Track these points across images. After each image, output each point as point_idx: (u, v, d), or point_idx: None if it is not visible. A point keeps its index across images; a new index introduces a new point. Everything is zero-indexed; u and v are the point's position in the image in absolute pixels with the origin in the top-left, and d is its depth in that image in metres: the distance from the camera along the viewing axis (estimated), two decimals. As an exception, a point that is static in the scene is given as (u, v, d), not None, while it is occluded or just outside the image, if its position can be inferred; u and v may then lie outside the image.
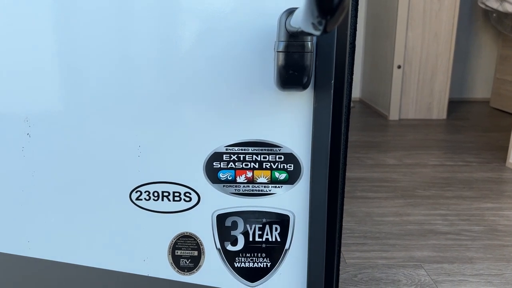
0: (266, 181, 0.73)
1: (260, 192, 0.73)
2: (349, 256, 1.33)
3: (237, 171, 0.72)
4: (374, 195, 1.81)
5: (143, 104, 0.70)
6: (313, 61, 0.63)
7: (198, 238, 0.76)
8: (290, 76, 0.62)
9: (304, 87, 0.65)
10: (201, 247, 0.76)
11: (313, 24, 0.34)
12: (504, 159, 2.31)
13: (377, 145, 2.60)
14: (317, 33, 0.35)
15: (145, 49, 0.68)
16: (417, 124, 3.15)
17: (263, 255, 0.77)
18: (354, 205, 1.70)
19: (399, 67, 3.25)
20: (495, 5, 3.27)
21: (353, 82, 0.71)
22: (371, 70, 3.78)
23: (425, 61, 3.26)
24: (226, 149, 0.72)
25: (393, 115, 3.33)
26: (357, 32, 0.67)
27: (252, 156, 0.72)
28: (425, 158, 2.34)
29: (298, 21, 0.41)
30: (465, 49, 3.97)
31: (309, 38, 0.61)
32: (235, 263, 0.77)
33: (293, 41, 0.61)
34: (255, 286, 0.78)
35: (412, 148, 2.53)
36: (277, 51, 0.62)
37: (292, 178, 0.72)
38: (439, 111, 3.34)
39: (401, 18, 3.15)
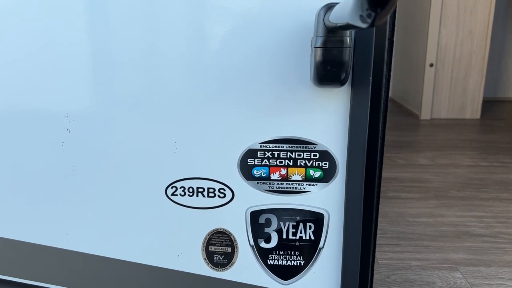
0: (300, 178, 0.72)
1: (294, 189, 0.73)
2: (382, 256, 1.31)
3: (271, 168, 0.72)
4: (407, 196, 1.78)
5: (179, 101, 0.71)
6: (351, 57, 0.62)
7: (231, 235, 0.76)
8: (328, 72, 0.62)
9: (342, 83, 0.64)
10: (235, 243, 0.77)
11: (361, 16, 0.33)
12: (543, 160, 2.22)
13: (408, 145, 2.55)
14: (364, 25, 0.35)
15: (181, 46, 0.68)
16: (450, 124, 3.07)
17: (297, 253, 0.76)
18: (386, 205, 1.67)
19: (431, 65, 3.17)
20: (533, 1, 3.15)
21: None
22: (402, 68, 3.71)
23: (459, 59, 3.17)
24: (261, 146, 0.71)
25: (425, 115, 3.25)
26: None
27: (287, 153, 0.71)
28: (459, 159, 2.28)
29: (344, 14, 0.40)
30: (500, 47, 3.85)
31: (347, 33, 0.60)
32: (268, 260, 0.77)
33: (331, 36, 0.60)
34: (288, 284, 0.78)
35: (444, 148, 2.47)
36: (315, 47, 0.61)
37: (327, 176, 0.72)
38: (473, 110, 3.24)
39: (434, 15, 3.07)
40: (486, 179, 1.99)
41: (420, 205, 1.69)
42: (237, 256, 0.77)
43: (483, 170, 2.11)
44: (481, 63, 3.17)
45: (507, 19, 3.79)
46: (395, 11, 0.66)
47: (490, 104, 3.63)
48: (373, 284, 1.15)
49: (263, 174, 0.72)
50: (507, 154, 2.35)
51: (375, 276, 1.20)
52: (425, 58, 3.17)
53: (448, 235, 1.46)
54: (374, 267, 1.22)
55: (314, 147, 0.71)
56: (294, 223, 0.75)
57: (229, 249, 0.77)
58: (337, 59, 0.61)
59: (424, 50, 3.18)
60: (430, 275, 1.21)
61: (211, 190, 0.74)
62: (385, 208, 1.64)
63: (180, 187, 0.75)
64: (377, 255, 1.32)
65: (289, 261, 0.76)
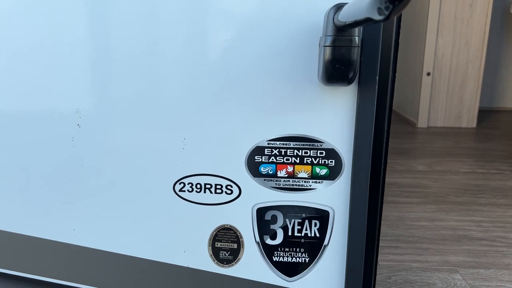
0: (306, 176, 0.73)
1: (301, 187, 0.74)
2: (382, 258, 1.32)
3: (278, 165, 0.73)
4: (405, 200, 1.80)
5: (189, 98, 0.72)
6: (359, 56, 0.64)
7: (238, 231, 0.77)
8: (336, 70, 0.63)
9: (349, 82, 0.65)
10: (241, 240, 0.77)
11: (379, 9, 0.35)
12: (539, 168, 2.25)
13: (406, 152, 2.57)
14: (381, 17, 0.36)
15: (191, 45, 0.70)
16: (446, 132, 3.10)
17: (302, 250, 0.77)
18: (386, 209, 1.68)
19: (428, 74, 3.21)
20: (528, 12, 3.20)
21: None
22: (399, 76, 3.73)
23: (455, 69, 3.21)
24: (268, 143, 0.72)
25: (422, 123, 3.28)
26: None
27: (294, 151, 0.72)
28: (456, 166, 2.30)
29: (358, 9, 0.42)
30: (496, 57, 3.90)
31: (356, 33, 0.62)
32: (273, 257, 0.77)
33: (340, 35, 0.61)
34: (292, 281, 0.78)
35: (442, 155, 2.49)
36: (324, 46, 0.62)
37: (333, 174, 0.73)
38: (469, 119, 3.27)
39: (431, 25, 3.11)
40: (483, 185, 2.01)
41: (419, 210, 1.71)
42: (243, 252, 0.78)
43: (480, 177, 2.13)
44: (477, 73, 3.20)
45: (502, 30, 3.84)
46: (401, 14, 0.68)
47: (485, 114, 3.66)
48: (376, 285, 1.16)
49: (270, 171, 0.73)
50: (503, 161, 2.38)
51: (376, 277, 1.21)
52: (422, 67, 3.21)
53: (447, 238, 1.47)
54: (375, 269, 1.23)
55: (321, 145, 0.72)
56: (300, 220, 0.75)
57: (235, 246, 0.78)
58: (346, 58, 0.62)
59: (421, 59, 3.21)
60: (431, 277, 1.22)
61: (218, 187, 0.75)
62: (385, 212, 1.65)
63: (188, 183, 0.76)
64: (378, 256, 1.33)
65: (294, 258, 0.77)
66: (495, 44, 3.83)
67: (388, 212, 1.66)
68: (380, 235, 1.47)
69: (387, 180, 2.01)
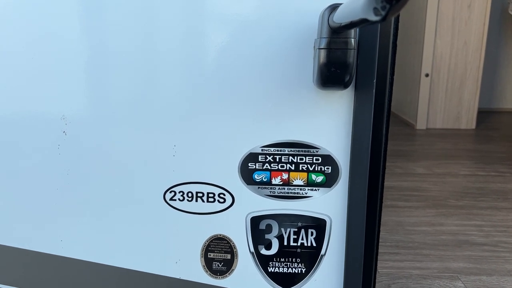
0: (302, 183, 0.71)
1: (296, 194, 0.72)
2: (382, 265, 1.30)
3: (272, 172, 0.71)
4: (405, 204, 1.78)
5: (179, 103, 0.69)
6: (355, 59, 0.61)
7: (231, 241, 0.75)
8: (332, 74, 0.61)
9: (345, 85, 0.63)
10: (234, 250, 0.75)
11: (375, 9, 0.32)
12: (540, 170, 2.23)
13: (405, 154, 2.55)
14: (377, 18, 0.34)
15: (181, 48, 0.67)
16: (445, 134, 3.08)
17: (298, 260, 0.75)
18: (385, 214, 1.66)
19: (427, 75, 3.19)
20: (527, 12, 3.19)
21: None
22: (397, 78, 3.72)
23: (454, 70, 3.19)
24: (262, 150, 0.70)
25: (420, 124, 3.26)
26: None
27: (288, 158, 0.70)
28: (456, 168, 2.28)
29: (354, 9, 0.39)
30: (495, 58, 3.88)
31: (352, 34, 0.59)
32: (268, 268, 0.75)
33: (335, 37, 0.59)
34: (289, 292, 0.76)
35: (441, 158, 2.47)
36: (319, 48, 0.60)
37: (330, 181, 0.70)
38: (468, 120, 3.25)
39: (430, 26, 3.09)
40: (484, 188, 1.99)
41: (418, 214, 1.69)
42: (237, 263, 0.75)
43: (480, 180, 2.11)
44: (476, 74, 3.19)
45: (501, 30, 3.83)
46: (398, 15, 0.65)
47: (485, 115, 3.64)
48: (374, 293, 1.14)
49: (264, 178, 0.71)
50: (503, 163, 2.36)
51: (376, 285, 1.18)
52: (421, 68, 3.19)
53: (448, 243, 1.45)
54: (374, 276, 1.21)
55: (317, 151, 0.69)
56: (296, 229, 0.73)
57: (229, 256, 0.75)
58: (341, 61, 0.60)
59: (420, 61, 3.20)
60: (431, 284, 1.20)
61: (210, 195, 0.73)
62: (384, 217, 1.63)
63: (179, 192, 0.73)
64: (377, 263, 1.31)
65: (290, 269, 0.75)
66: (494, 44, 3.81)
67: (387, 217, 1.64)
68: (380, 240, 1.45)
69: (386, 183, 1.99)
